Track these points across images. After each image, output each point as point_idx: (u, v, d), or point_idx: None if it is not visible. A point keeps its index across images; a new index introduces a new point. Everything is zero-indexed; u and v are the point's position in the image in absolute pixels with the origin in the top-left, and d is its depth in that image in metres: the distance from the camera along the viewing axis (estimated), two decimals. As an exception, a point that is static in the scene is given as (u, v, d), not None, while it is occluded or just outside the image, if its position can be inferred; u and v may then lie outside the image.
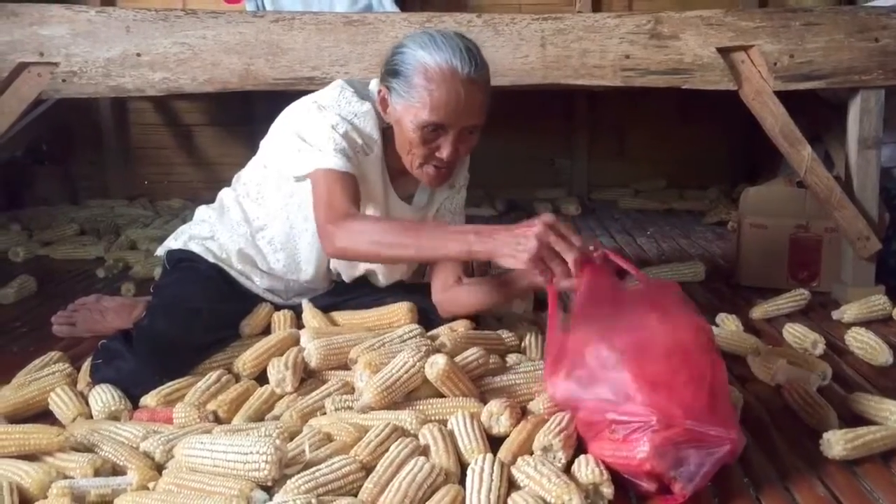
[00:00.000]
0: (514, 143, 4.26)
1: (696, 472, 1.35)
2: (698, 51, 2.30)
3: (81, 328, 2.18)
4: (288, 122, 1.84)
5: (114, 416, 1.63)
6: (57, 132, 3.89)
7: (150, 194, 4.15)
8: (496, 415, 1.53)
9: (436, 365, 1.59)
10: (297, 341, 1.90)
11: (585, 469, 1.34)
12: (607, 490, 1.33)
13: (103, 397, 1.65)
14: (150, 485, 1.36)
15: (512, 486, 1.33)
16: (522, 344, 1.98)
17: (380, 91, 1.74)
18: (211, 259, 1.99)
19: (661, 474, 1.34)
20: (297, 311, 2.04)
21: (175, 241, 2.07)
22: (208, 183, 4.08)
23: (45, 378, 1.76)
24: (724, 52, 2.31)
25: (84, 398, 1.69)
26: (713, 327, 2.13)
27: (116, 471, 1.40)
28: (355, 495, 1.31)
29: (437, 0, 3.88)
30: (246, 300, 2.02)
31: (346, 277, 2.03)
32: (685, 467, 1.35)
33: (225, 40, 2.32)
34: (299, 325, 2.00)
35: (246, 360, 1.81)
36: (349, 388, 1.70)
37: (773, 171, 3.56)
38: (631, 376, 1.42)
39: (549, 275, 1.45)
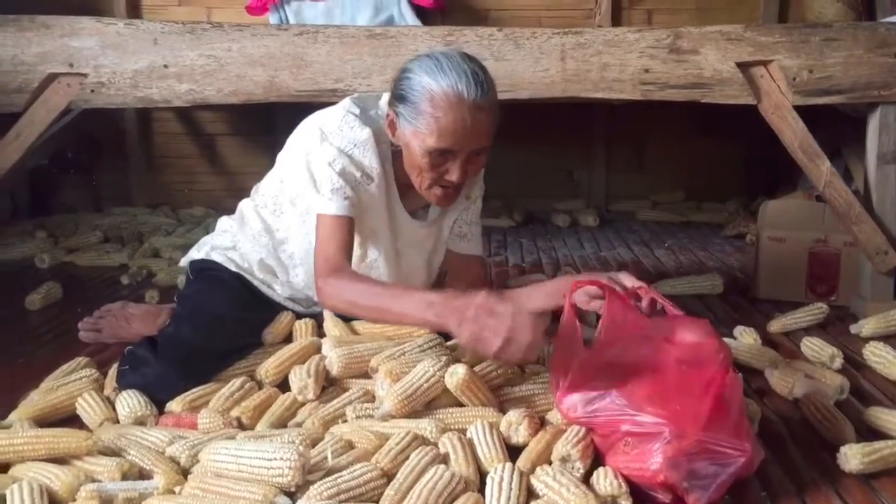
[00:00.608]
0: (532, 154, 4.29)
1: (710, 483, 1.36)
2: (718, 65, 2.32)
3: (107, 334, 2.22)
4: (298, 145, 1.87)
5: (140, 422, 1.66)
6: (82, 141, 3.95)
7: (173, 202, 4.20)
8: (515, 424, 1.55)
9: (455, 374, 1.61)
10: (318, 350, 1.92)
11: (604, 481, 1.36)
12: (626, 503, 1.35)
13: (130, 402, 1.68)
14: (176, 489, 1.39)
15: (531, 495, 1.35)
16: (540, 355, 1.99)
17: (388, 115, 1.76)
18: (233, 268, 2.02)
19: (674, 485, 1.36)
20: (318, 319, 2.06)
21: (198, 252, 2.11)
22: (230, 192, 4.13)
23: (72, 383, 1.80)
24: (743, 66, 2.33)
25: (111, 403, 1.73)
26: (731, 340, 2.14)
27: (143, 475, 1.44)
28: (376, 502, 1.33)
29: (457, 13, 3.91)
30: (268, 308, 2.05)
31: None
32: (699, 479, 1.36)
33: (250, 53, 2.36)
34: (320, 333, 2.02)
35: (269, 367, 1.84)
36: (370, 397, 1.73)
37: (792, 184, 3.56)
38: (644, 389, 1.44)
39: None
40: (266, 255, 2.00)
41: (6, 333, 2.36)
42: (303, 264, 1.98)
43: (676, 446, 1.36)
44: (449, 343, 1.92)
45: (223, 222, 2.14)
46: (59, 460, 1.47)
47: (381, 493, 1.35)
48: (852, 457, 1.49)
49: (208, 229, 3.34)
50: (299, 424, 1.65)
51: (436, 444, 1.49)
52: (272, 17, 3.52)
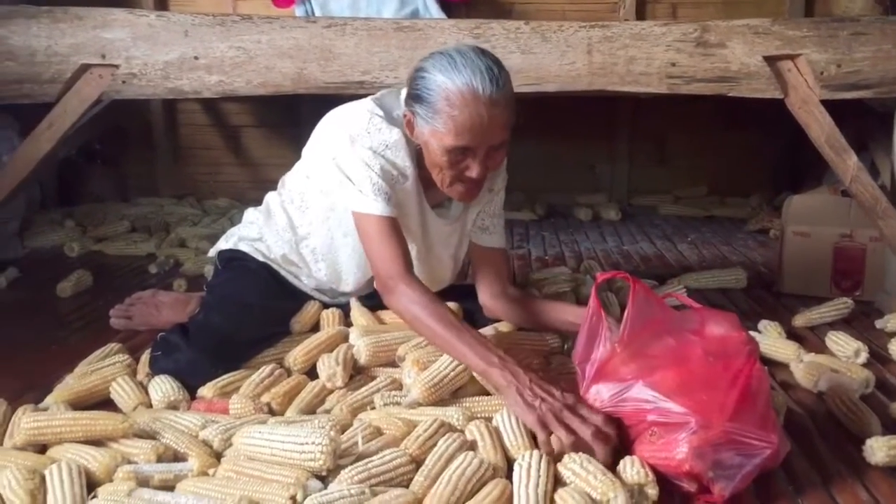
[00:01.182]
0: (555, 148, 4.29)
1: (736, 473, 1.38)
2: (745, 59, 2.32)
3: (138, 321, 2.26)
4: (325, 144, 1.86)
5: (173, 406, 1.69)
6: (110, 132, 4.00)
7: (198, 193, 4.24)
8: (541, 414, 1.56)
9: (482, 364, 1.62)
10: (345, 338, 1.95)
11: (631, 469, 1.38)
12: (652, 491, 1.36)
13: (163, 387, 1.72)
14: (210, 471, 1.42)
15: (557, 482, 1.37)
16: (565, 346, 2.01)
17: (405, 115, 1.76)
18: (260, 258, 2.05)
19: (699, 475, 1.37)
20: (345, 309, 2.09)
21: (225, 242, 2.14)
22: (254, 183, 4.17)
23: (106, 368, 1.84)
24: (770, 60, 2.33)
25: (144, 388, 1.76)
26: (755, 334, 2.14)
27: (177, 457, 1.47)
28: (406, 486, 1.35)
29: (481, 6, 3.92)
30: (295, 298, 2.08)
31: None
32: (724, 469, 1.38)
33: (279, 45, 2.39)
34: (347, 322, 2.05)
35: (297, 355, 1.87)
36: (397, 385, 1.75)
37: (817, 179, 3.55)
38: (671, 380, 1.46)
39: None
40: (289, 251, 2.03)
41: (39, 320, 2.41)
42: (324, 259, 2.01)
43: (702, 437, 1.38)
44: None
45: (250, 214, 2.17)
46: (95, 442, 1.51)
47: (411, 479, 1.37)
48: (878, 449, 1.50)
49: (233, 220, 3.39)
50: (328, 411, 1.67)
51: (462, 432, 1.51)
52: (298, 10, 3.54)
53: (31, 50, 2.43)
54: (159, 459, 1.44)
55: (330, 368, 1.77)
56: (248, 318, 1.91)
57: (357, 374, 1.84)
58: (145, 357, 1.90)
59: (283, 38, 2.39)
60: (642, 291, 1.54)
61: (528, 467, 1.34)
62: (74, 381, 1.80)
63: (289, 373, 1.85)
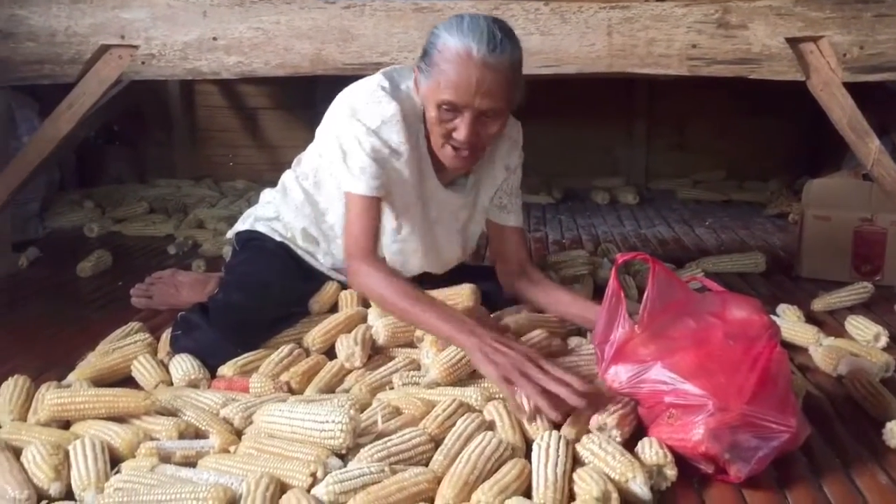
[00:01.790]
0: (572, 131, 4.28)
1: (752, 456, 1.38)
2: (766, 41, 2.30)
3: (158, 301, 2.28)
4: (331, 119, 1.89)
5: (193, 385, 1.71)
6: (128, 114, 4.01)
7: (215, 175, 4.26)
8: (559, 394, 1.57)
9: (500, 345, 1.63)
10: (364, 319, 1.96)
11: (650, 450, 1.38)
12: (671, 472, 1.36)
13: (184, 366, 1.73)
14: (231, 448, 1.43)
15: (576, 462, 1.37)
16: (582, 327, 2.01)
17: (414, 72, 1.78)
18: (277, 238, 2.06)
19: (715, 457, 1.37)
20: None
21: (242, 224, 2.15)
22: (271, 165, 4.18)
23: (127, 346, 1.85)
24: (792, 42, 2.30)
25: (164, 367, 1.78)
26: (774, 317, 2.13)
27: (199, 434, 1.48)
28: (425, 465, 1.36)
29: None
30: (312, 278, 2.08)
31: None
32: (740, 451, 1.37)
33: (297, 25, 2.39)
34: (365, 303, 2.05)
35: (316, 335, 1.88)
36: (416, 365, 1.76)
37: (836, 163, 3.51)
38: (689, 361, 1.46)
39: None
40: (308, 225, 2.04)
41: (60, 299, 2.44)
42: (342, 237, 2.01)
43: (719, 419, 1.38)
44: (493, 314, 1.95)
45: (266, 194, 2.18)
46: (118, 419, 1.52)
47: (430, 457, 1.38)
48: (898, 433, 1.49)
49: (250, 202, 3.40)
50: (347, 391, 1.68)
51: (481, 412, 1.52)
52: (316, -9, 3.53)
53: (51, 30, 2.44)
54: (181, 436, 1.45)
55: (349, 348, 1.78)
56: (267, 298, 1.92)
57: (375, 354, 1.85)
58: (166, 336, 1.91)
59: (301, 19, 2.39)
60: (663, 273, 1.54)
61: (547, 447, 1.35)
62: (96, 359, 1.82)
63: (307, 353, 1.86)
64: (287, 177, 2.10)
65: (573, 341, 1.90)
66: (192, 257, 2.81)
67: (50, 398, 1.52)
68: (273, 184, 2.17)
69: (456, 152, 1.75)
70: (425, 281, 2.09)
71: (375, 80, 1.82)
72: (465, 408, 1.53)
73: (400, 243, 1.95)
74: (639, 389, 1.48)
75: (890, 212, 2.48)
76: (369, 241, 1.76)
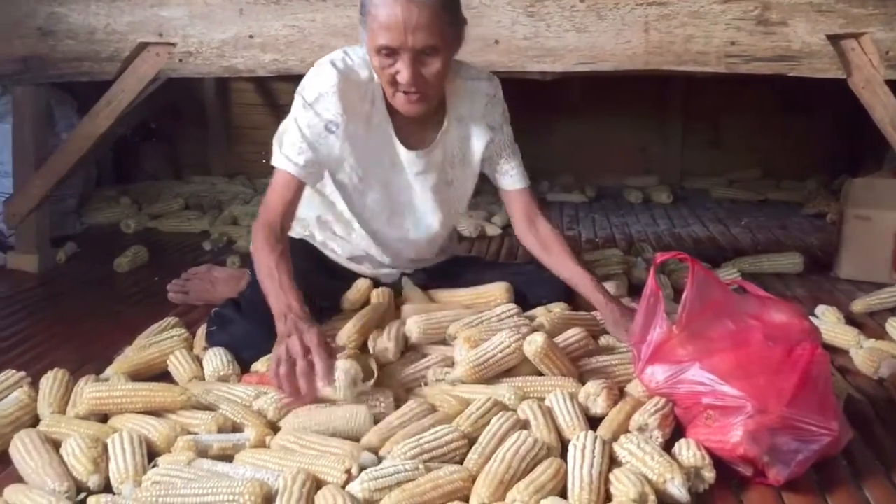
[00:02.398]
0: (605, 129, 4.25)
1: (792, 459, 1.36)
2: (807, 38, 2.25)
3: (194, 296, 2.31)
4: None
5: (223, 380, 1.72)
6: (164, 111, 4.06)
7: (249, 172, 4.29)
8: (593, 395, 1.56)
9: (534, 343, 1.62)
10: (397, 316, 1.96)
11: (687, 452, 1.36)
12: (709, 474, 1.35)
13: (214, 362, 1.74)
14: (266, 439, 1.44)
15: (613, 462, 1.36)
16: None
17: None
18: (296, 236, 2.08)
19: (754, 459, 1.36)
20: (395, 287, 2.09)
21: None
22: (304, 162, 4.18)
23: (163, 341, 1.87)
24: (833, 39, 2.26)
25: (199, 362, 1.79)
26: (813, 319, 2.10)
27: (235, 428, 1.49)
28: (459, 463, 1.36)
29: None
30: (336, 275, 2.09)
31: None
32: (780, 454, 1.36)
33: (333, 23, 2.39)
34: (398, 301, 2.05)
35: (349, 331, 1.87)
36: (449, 362, 1.75)
37: (877, 162, 3.45)
38: (728, 363, 1.44)
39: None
40: (323, 212, 2.05)
41: (98, 293, 2.48)
42: (359, 217, 2.01)
43: (758, 421, 1.36)
44: (527, 313, 1.94)
45: None
46: (154, 413, 1.54)
47: (464, 455, 1.38)
48: (943, 438, 1.46)
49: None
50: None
51: (514, 411, 1.51)
52: (351, -9, 3.54)
53: (90, 28, 2.47)
54: (219, 430, 1.46)
55: (382, 344, 1.78)
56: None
57: (408, 351, 1.85)
58: (201, 331, 1.93)
59: (337, 17, 2.39)
60: (702, 273, 1.52)
61: (583, 448, 1.34)
62: (133, 354, 1.84)
63: (341, 349, 1.86)
64: None
65: (605, 340, 1.89)
66: (227, 253, 2.83)
67: (88, 392, 1.54)
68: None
69: (406, 97, 1.76)
70: (459, 270, 2.09)
71: (327, 61, 1.85)
72: (499, 406, 1.52)
73: (369, 219, 1.97)
74: (676, 390, 1.46)
75: (933, 212, 2.44)
76: (276, 214, 1.80)
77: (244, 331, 1.83)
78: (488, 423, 1.45)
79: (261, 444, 1.43)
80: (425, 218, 2.02)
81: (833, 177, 4.04)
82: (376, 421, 1.49)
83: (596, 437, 1.38)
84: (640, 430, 1.45)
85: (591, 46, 2.33)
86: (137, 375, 1.75)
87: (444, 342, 1.87)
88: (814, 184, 4.06)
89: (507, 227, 3.32)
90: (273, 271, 1.71)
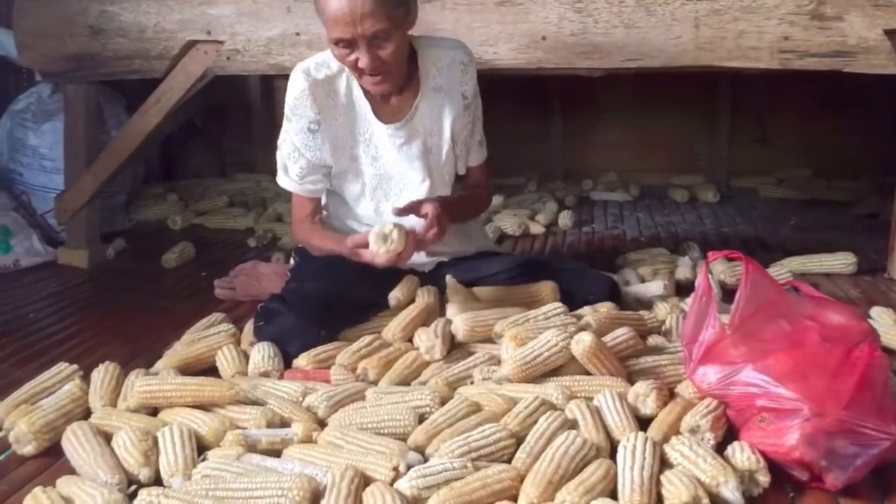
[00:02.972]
0: (649, 126, 4.18)
1: (850, 464, 1.32)
2: (864, 33, 2.19)
3: (240, 292, 2.34)
4: None
5: (264, 375, 1.73)
6: (210, 109, 4.10)
7: (293, 170, 4.31)
8: (643, 395, 1.54)
9: (582, 342, 1.60)
10: (442, 313, 1.96)
11: (741, 455, 1.33)
12: (763, 478, 1.32)
13: (255, 357, 1.77)
14: (313, 435, 1.44)
15: (664, 464, 1.34)
16: (663, 326, 1.97)
17: None
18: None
19: (810, 463, 1.32)
20: (438, 284, 2.08)
21: None
22: (347, 160, 4.20)
23: (212, 337, 1.89)
24: (891, 34, 2.19)
25: (246, 357, 1.81)
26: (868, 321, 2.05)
27: (283, 423, 1.50)
28: (507, 462, 1.35)
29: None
30: (373, 270, 2.07)
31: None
32: (838, 458, 1.32)
33: (378, 20, 2.38)
34: (443, 298, 2.05)
35: (394, 328, 1.88)
36: (496, 361, 1.74)
37: (933, 161, 3.35)
38: (783, 364, 1.40)
39: None
40: (341, 214, 2.11)
41: (147, 289, 2.52)
42: (361, 199, 2.06)
43: (815, 424, 1.33)
44: (573, 312, 1.92)
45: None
46: (203, 407, 1.55)
47: (511, 454, 1.37)
48: None
49: (327, 196, 3.43)
50: (423, 384, 1.68)
51: (562, 411, 1.50)
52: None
53: (140, 26, 2.50)
54: (268, 425, 1.47)
55: (429, 341, 1.78)
56: (338, 281, 1.94)
57: (453, 349, 1.84)
58: (248, 326, 1.95)
59: (382, 14, 2.38)
60: (756, 272, 1.49)
61: (633, 449, 1.32)
62: (182, 349, 1.86)
63: (386, 346, 1.86)
64: None
65: (653, 340, 1.87)
66: (272, 250, 2.85)
67: (139, 386, 1.56)
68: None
69: (371, 79, 1.82)
70: (495, 267, 2.11)
71: (302, 62, 1.96)
72: (546, 406, 1.51)
73: (368, 197, 2.04)
74: (729, 392, 1.44)
75: None
76: (302, 215, 2.04)
77: (291, 322, 1.86)
78: (536, 422, 1.44)
79: (308, 440, 1.44)
80: (416, 187, 2.03)
81: (886, 176, 3.94)
82: (421, 419, 1.49)
83: (647, 438, 1.35)
84: (692, 431, 1.42)
85: (640, 42, 2.29)
86: (186, 369, 1.78)
87: (489, 340, 1.86)
88: (866, 183, 3.96)
89: (552, 226, 3.31)
90: (321, 237, 1.99)
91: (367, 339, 1.82)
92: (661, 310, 2.06)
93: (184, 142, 4.24)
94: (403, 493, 1.24)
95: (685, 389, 1.58)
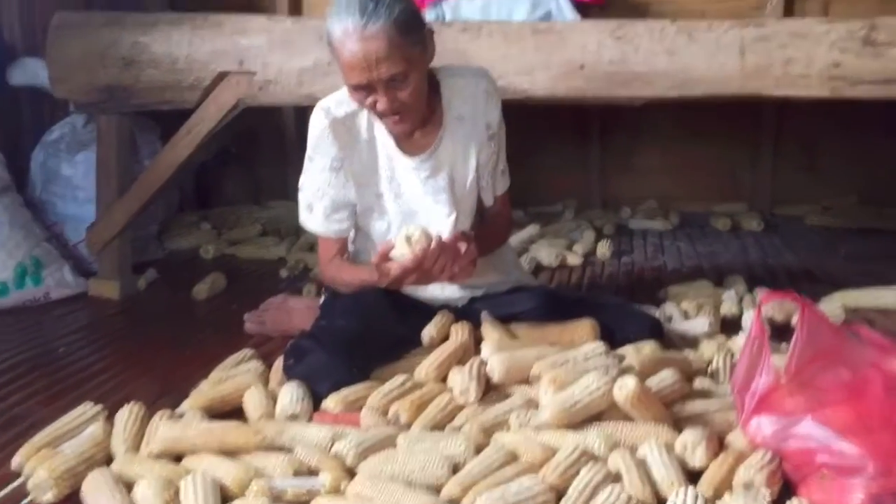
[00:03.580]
0: (690, 152, 4.08)
1: (919, 527, 1.22)
2: (918, 58, 2.10)
3: (270, 327, 2.29)
4: None
5: (291, 418, 1.66)
6: (243, 135, 4.09)
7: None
8: (692, 446, 1.44)
9: (625, 387, 1.52)
10: (477, 351, 1.89)
11: (799, 514, 1.24)
12: (824, 538, 1.22)
13: (283, 400, 1.69)
14: (342, 485, 1.37)
15: (718, 523, 1.25)
16: (709, 367, 1.87)
17: None
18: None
19: (877, 525, 1.23)
20: (472, 321, 2.01)
21: None
22: (381, 188, 4.16)
23: (240, 376, 1.84)
24: (947, 59, 2.10)
25: (274, 398, 1.74)
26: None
27: (310, 471, 1.43)
28: (546, 518, 1.27)
29: (616, 7, 3.76)
30: (405, 304, 2.03)
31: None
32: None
33: (412, 49, 2.34)
34: (477, 335, 1.98)
35: (427, 368, 1.81)
36: (534, 404, 1.66)
37: None
38: (845, 417, 1.31)
39: None
40: (365, 239, 2.07)
41: (177, 322, 2.48)
42: (387, 236, 1.99)
43: (882, 484, 1.23)
44: (616, 351, 1.84)
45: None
46: (227, 453, 1.49)
47: (550, 509, 1.28)
48: None
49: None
50: (457, 429, 1.60)
51: (605, 461, 1.41)
52: (429, 14, 3.49)
53: (172, 57, 2.48)
54: (294, 473, 1.40)
55: (463, 383, 1.70)
56: (369, 317, 1.90)
57: (489, 390, 1.76)
58: (277, 364, 1.89)
59: (415, 43, 2.34)
60: (813, 316, 1.40)
61: (683, 506, 1.23)
62: (209, 388, 1.81)
63: (420, 386, 1.79)
64: None
65: (699, 383, 1.77)
66: (303, 281, 2.81)
67: (162, 432, 1.52)
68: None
69: (392, 120, 1.80)
70: (529, 303, 2.03)
71: (322, 100, 1.94)
72: (587, 456, 1.42)
73: (395, 232, 1.95)
74: (786, 445, 1.34)
75: None
76: (329, 256, 2.01)
77: (322, 361, 1.79)
78: (576, 473, 1.35)
79: (336, 490, 1.37)
80: (442, 220, 1.98)
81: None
82: (455, 468, 1.41)
83: (697, 494, 1.27)
84: (746, 486, 1.33)
85: (683, 70, 2.22)
86: (212, 410, 1.72)
87: (526, 381, 1.78)
88: (920, 211, 3.82)
89: (590, 256, 3.22)
90: (350, 271, 1.99)
91: (399, 379, 1.74)
92: (708, 349, 1.97)
93: (218, 169, 4.24)
94: (436, 553, 1.16)
95: (736, 439, 1.49)
